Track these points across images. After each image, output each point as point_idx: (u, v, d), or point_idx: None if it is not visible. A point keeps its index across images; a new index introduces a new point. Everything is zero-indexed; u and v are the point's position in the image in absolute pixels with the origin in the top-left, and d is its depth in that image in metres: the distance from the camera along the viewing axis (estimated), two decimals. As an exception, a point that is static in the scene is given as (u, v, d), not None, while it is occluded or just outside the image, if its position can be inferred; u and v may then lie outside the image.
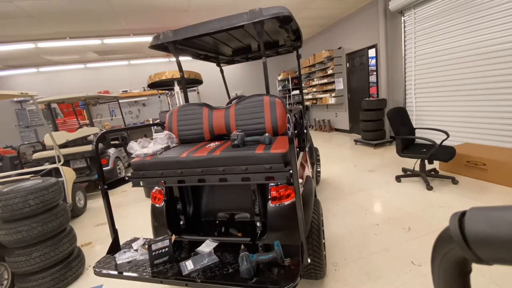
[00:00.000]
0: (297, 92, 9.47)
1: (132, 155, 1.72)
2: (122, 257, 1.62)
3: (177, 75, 4.36)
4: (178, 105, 4.04)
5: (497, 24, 3.53)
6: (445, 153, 3.13)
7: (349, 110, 7.43)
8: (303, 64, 8.68)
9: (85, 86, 8.29)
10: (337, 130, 8.30)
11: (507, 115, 3.56)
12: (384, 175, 3.86)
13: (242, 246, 1.52)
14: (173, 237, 1.66)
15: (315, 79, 8.52)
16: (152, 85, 4.90)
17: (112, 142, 5.64)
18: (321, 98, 8.42)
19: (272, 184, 1.49)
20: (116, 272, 1.49)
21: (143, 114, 9.25)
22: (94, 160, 4.68)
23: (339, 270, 1.97)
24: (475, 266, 0.33)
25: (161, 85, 4.98)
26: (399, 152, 3.37)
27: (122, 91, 8.73)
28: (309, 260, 1.40)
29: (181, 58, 2.41)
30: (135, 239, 1.82)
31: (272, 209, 1.49)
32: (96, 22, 5.21)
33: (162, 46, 2.18)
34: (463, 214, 0.29)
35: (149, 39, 6.42)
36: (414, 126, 3.73)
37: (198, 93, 8.97)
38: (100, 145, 4.74)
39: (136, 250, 1.66)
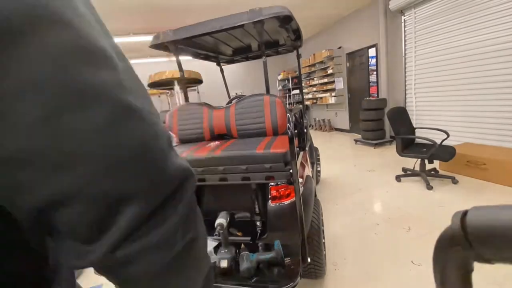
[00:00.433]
0: (297, 91, 9.47)
1: None
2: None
3: (177, 74, 4.36)
4: (178, 104, 4.04)
5: (498, 23, 3.53)
6: (445, 152, 3.13)
7: (349, 110, 7.43)
8: (303, 64, 8.68)
9: (85, 86, 8.29)
10: (337, 129, 8.30)
11: (507, 115, 3.56)
12: (384, 175, 3.86)
13: (242, 246, 1.52)
14: None
15: (315, 79, 8.53)
16: (152, 85, 4.90)
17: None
18: (321, 98, 8.42)
19: (272, 183, 1.49)
20: None
21: (143, 113, 9.23)
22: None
23: (339, 270, 1.97)
24: (477, 266, 0.33)
25: (161, 84, 4.97)
26: (399, 152, 3.37)
27: (122, 90, 8.72)
28: (309, 259, 1.40)
29: (181, 58, 2.41)
30: None
31: (272, 209, 1.50)
32: (96, 22, 5.20)
33: (162, 46, 2.18)
34: (465, 213, 0.29)
35: (149, 38, 6.39)
36: (414, 126, 3.74)
37: (198, 92, 8.97)
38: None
39: None
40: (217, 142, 1.85)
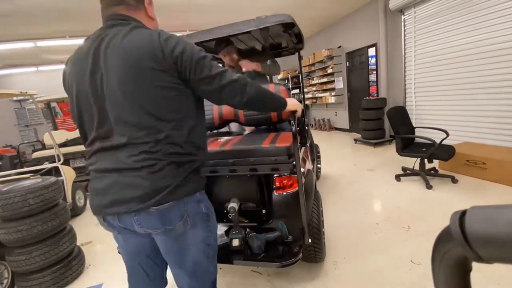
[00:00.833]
0: (297, 91, 9.47)
1: None
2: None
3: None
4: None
5: (497, 23, 3.52)
6: (445, 152, 3.13)
7: (348, 109, 7.43)
8: (303, 63, 8.67)
9: (84, 85, 8.27)
10: (336, 129, 8.30)
11: (507, 114, 3.56)
12: (383, 174, 3.86)
13: (248, 230, 1.70)
14: None
15: (315, 78, 8.52)
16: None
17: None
18: (321, 97, 8.42)
19: (276, 175, 1.67)
20: None
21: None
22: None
23: (339, 269, 1.98)
24: (475, 265, 0.33)
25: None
26: (398, 151, 3.38)
27: (122, 90, 8.71)
28: (309, 240, 1.60)
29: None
30: None
31: (277, 198, 1.69)
32: (96, 21, 5.14)
33: None
34: (463, 213, 0.29)
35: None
36: (414, 125, 3.74)
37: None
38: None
39: None
40: (226, 138, 2.00)
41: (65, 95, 4.85)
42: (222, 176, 1.78)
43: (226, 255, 1.61)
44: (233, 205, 1.63)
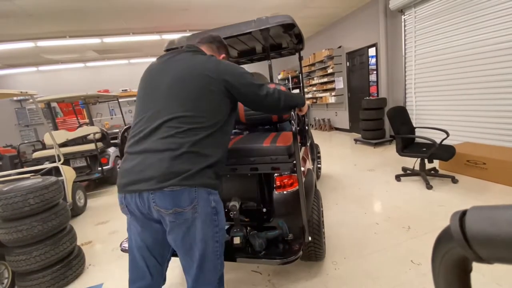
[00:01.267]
0: (297, 91, 9.46)
1: None
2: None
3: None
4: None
5: (497, 23, 3.52)
6: (445, 152, 3.13)
7: (349, 109, 7.42)
8: (303, 63, 8.67)
9: (84, 85, 8.26)
10: (337, 129, 8.30)
11: (507, 114, 3.56)
12: (384, 174, 3.86)
13: (249, 229, 1.71)
14: None
15: (315, 78, 8.52)
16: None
17: (112, 141, 5.63)
18: (321, 97, 8.41)
19: (277, 174, 1.68)
20: None
21: (143, 113, 9.23)
22: (94, 159, 4.68)
23: (339, 269, 1.98)
24: (475, 265, 0.33)
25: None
26: (399, 151, 3.37)
27: (122, 90, 8.71)
28: (310, 238, 1.62)
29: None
30: None
31: (277, 196, 1.69)
32: (96, 21, 5.20)
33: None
34: (463, 213, 0.29)
35: (149, 38, 6.42)
36: (414, 125, 3.73)
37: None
38: (100, 144, 4.73)
39: None
40: None
41: (65, 95, 4.86)
42: (223, 175, 1.79)
43: (228, 252, 1.63)
44: (234, 203, 1.64)
